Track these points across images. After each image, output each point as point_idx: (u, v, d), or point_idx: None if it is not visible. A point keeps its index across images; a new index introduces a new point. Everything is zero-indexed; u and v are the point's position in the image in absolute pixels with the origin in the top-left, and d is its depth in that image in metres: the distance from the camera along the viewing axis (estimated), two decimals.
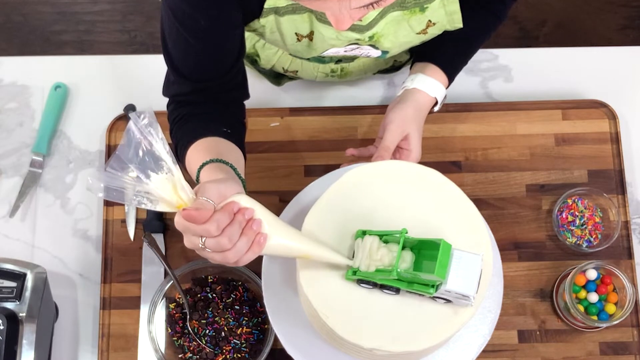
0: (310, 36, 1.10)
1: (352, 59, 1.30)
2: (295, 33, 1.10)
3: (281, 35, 1.11)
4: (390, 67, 1.40)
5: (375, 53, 1.17)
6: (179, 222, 0.85)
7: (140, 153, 0.81)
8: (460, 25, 1.13)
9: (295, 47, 1.14)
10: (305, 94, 1.41)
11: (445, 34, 1.16)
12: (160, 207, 0.83)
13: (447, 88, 1.23)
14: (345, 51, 1.15)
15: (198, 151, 1.04)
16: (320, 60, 1.30)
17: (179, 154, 1.09)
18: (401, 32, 1.12)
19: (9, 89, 1.40)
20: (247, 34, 1.32)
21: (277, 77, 1.40)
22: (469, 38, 1.23)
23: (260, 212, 0.89)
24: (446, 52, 1.23)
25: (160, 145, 0.82)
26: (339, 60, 1.30)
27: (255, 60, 1.37)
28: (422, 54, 1.24)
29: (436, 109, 1.24)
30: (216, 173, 0.95)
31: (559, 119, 1.36)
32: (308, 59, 1.30)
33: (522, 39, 2.42)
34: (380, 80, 1.41)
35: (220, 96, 1.11)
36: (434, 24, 1.12)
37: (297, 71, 1.34)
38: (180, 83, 1.09)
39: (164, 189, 0.82)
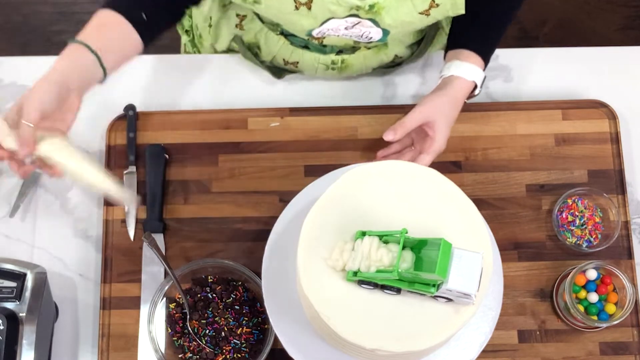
0: (309, 4, 1.10)
1: (352, 49, 1.30)
2: (294, 0, 1.10)
3: (279, 2, 1.11)
4: (391, 62, 1.40)
5: (377, 33, 1.17)
6: None
7: None
8: (462, 11, 1.13)
9: (292, 17, 1.13)
10: (306, 93, 1.40)
11: (468, 18, 1.17)
12: None
13: (484, 70, 1.24)
14: (346, 27, 1.15)
15: (93, 20, 1.09)
16: (321, 50, 1.30)
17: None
18: (403, 9, 1.12)
19: (9, 89, 1.40)
20: (250, 25, 1.33)
21: (277, 71, 1.40)
22: (494, 17, 1.25)
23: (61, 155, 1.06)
24: (476, 35, 1.24)
25: None
26: (339, 50, 1.30)
27: (257, 53, 1.37)
28: (452, 43, 1.26)
29: (477, 92, 1.25)
30: (76, 58, 1.05)
31: (559, 119, 1.36)
32: (309, 48, 1.30)
33: (522, 39, 2.42)
34: (380, 81, 1.41)
35: None
36: (437, 5, 1.12)
37: (297, 62, 1.34)
38: None
39: None
